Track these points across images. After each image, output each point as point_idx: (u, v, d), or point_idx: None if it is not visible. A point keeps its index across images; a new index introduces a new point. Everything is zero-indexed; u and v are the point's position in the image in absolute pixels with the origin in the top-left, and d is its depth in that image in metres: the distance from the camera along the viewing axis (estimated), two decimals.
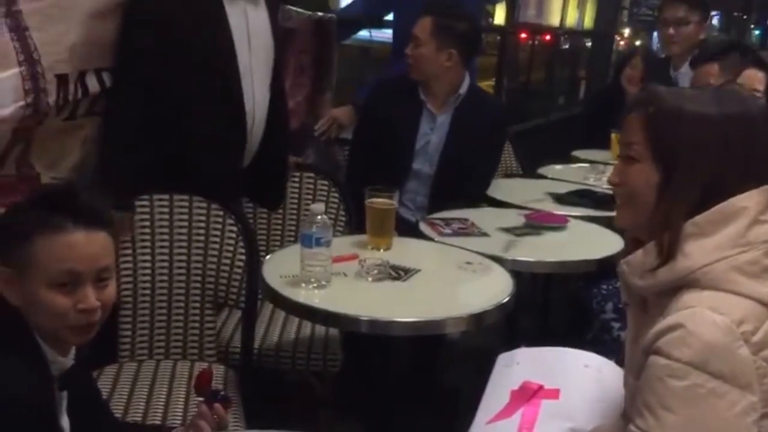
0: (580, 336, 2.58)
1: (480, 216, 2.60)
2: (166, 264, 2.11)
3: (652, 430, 1.14)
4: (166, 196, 2.12)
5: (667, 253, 1.19)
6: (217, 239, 2.13)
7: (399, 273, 2.00)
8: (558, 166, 3.64)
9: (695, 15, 3.48)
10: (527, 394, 1.44)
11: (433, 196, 2.84)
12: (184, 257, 2.12)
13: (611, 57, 8.23)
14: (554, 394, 1.43)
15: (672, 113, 1.22)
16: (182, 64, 2.09)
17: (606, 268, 2.28)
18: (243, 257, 2.13)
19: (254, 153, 2.32)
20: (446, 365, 2.95)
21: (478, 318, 1.84)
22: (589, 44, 8.47)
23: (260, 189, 2.46)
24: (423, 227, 2.47)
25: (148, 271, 2.10)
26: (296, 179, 2.65)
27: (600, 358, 1.53)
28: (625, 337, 1.46)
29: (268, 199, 2.54)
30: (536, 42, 7.27)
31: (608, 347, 2.33)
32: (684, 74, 3.39)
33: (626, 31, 9.18)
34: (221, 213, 2.14)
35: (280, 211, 2.64)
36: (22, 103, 1.77)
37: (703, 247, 1.18)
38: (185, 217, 2.13)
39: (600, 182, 3.15)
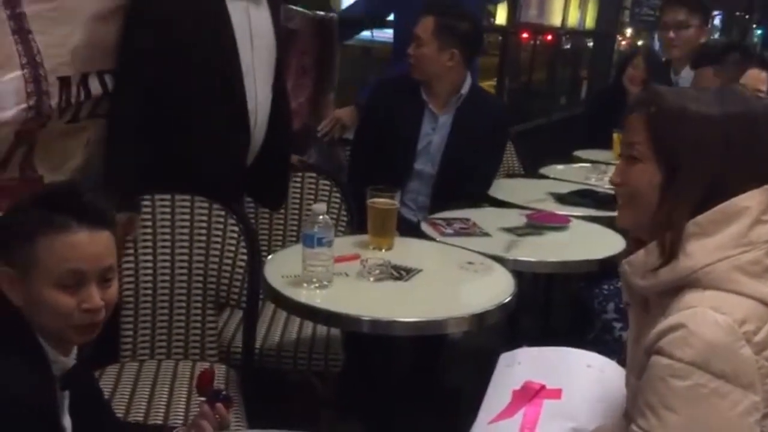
0: (581, 336, 2.57)
1: (481, 216, 2.60)
2: (167, 264, 2.12)
3: (654, 430, 1.14)
4: (168, 196, 2.12)
5: (669, 252, 1.19)
6: (219, 239, 2.13)
7: (401, 273, 2.00)
8: (560, 166, 3.64)
9: (696, 18, 3.48)
10: (529, 394, 1.44)
11: (434, 196, 2.84)
12: (185, 257, 2.12)
13: (613, 57, 8.22)
14: (556, 394, 1.43)
15: (674, 113, 1.22)
16: (185, 63, 2.09)
17: (607, 268, 2.28)
18: (245, 257, 2.13)
19: (257, 152, 2.32)
20: (448, 365, 2.95)
21: (479, 318, 1.84)
22: (590, 44, 8.47)
23: (262, 189, 2.46)
24: (424, 227, 2.47)
25: (149, 271, 2.10)
26: (298, 179, 2.65)
27: (602, 358, 1.53)
28: (626, 337, 1.46)
29: (270, 198, 2.54)
30: (538, 42, 7.27)
31: (610, 347, 2.33)
32: (684, 78, 3.39)
33: (628, 31, 9.18)
34: (223, 213, 2.14)
35: (282, 211, 2.64)
36: (24, 105, 1.77)
37: (705, 246, 1.18)
38: (187, 216, 2.13)
39: (602, 182, 3.15)
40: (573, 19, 7.77)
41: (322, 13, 3.14)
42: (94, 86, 2.01)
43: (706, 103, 1.22)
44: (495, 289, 1.96)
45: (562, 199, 2.93)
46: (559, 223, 2.55)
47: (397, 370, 2.73)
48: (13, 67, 1.75)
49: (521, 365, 1.52)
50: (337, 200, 2.64)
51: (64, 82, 1.89)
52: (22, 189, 1.85)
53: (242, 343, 2.17)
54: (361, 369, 2.48)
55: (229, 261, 2.13)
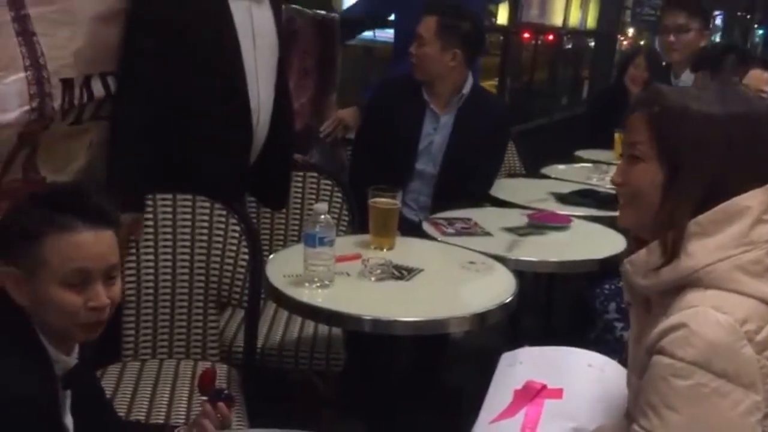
0: (583, 336, 2.58)
1: (483, 216, 2.60)
2: (169, 263, 2.12)
3: (656, 430, 1.14)
4: (169, 196, 2.12)
5: (671, 252, 1.19)
6: (221, 239, 2.13)
7: (402, 273, 2.00)
8: (561, 166, 3.64)
9: (696, 22, 3.49)
10: (530, 394, 1.44)
11: (436, 196, 2.84)
12: (187, 257, 2.13)
13: (614, 57, 8.21)
14: (557, 393, 1.43)
15: (677, 112, 1.22)
16: (187, 63, 2.09)
17: (609, 267, 2.28)
18: (246, 257, 2.13)
19: (259, 151, 2.32)
20: (449, 365, 2.95)
21: (481, 317, 1.84)
22: (592, 44, 8.46)
23: (265, 188, 2.46)
24: (426, 227, 2.47)
25: (151, 271, 2.11)
26: (300, 179, 2.65)
27: (603, 358, 1.53)
28: (628, 336, 1.46)
29: (272, 198, 2.54)
30: (539, 42, 7.27)
31: (611, 347, 2.33)
32: (684, 82, 3.38)
33: (630, 31, 9.17)
34: (224, 212, 2.14)
35: (284, 210, 2.64)
36: (27, 107, 1.77)
37: (706, 246, 1.18)
38: (188, 216, 2.13)
39: (603, 182, 3.16)
40: (574, 19, 7.76)
41: (323, 12, 3.14)
42: (97, 88, 2.01)
43: (708, 102, 1.22)
44: (496, 288, 1.96)
45: (563, 199, 2.93)
46: (560, 223, 2.55)
47: (398, 370, 2.73)
48: (17, 69, 1.75)
49: (522, 365, 1.52)
50: (339, 200, 2.64)
51: (67, 84, 1.89)
52: (25, 191, 1.85)
53: (244, 343, 2.17)
54: (363, 368, 2.48)
55: (231, 260, 2.13)
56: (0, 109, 1.72)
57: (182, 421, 1.80)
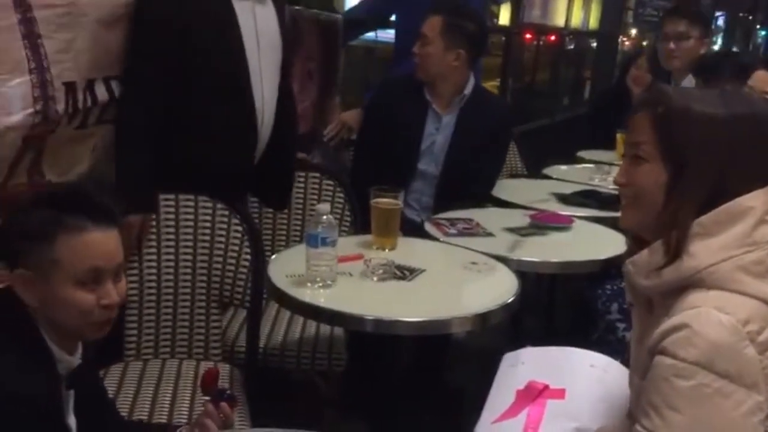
0: (585, 336, 2.58)
1: (485, 216, 2.60)
2: (171, 263, 2.12)
3: (658, 430, 1.14)
4: (172, 196, 2.13)
5: (675, 252, 1.19)
6: (223, 239, 2.13)
7: (404, 273, 2.00)
8: (563, 167, 3.64)
9: (696, 30, 3.51)
10: (532, 394, 1.44)
11: (438, 196, 2.84)
12: (189, 257, 2.13)
13: (616, 57, 8.21)
14: (560, 393, 1.43)
15: (681, 113, 1.22)
16: (192, 64, 2.09)
17: (611, 268, 2.28)
18: (248, 257, 2.13)
19: (262, 152, 2.33)
20: (451, 365, 2.95)
21: (483, 318, 1.84)
22: (594, 45, 8.46)
23: (267, 188, 2.47)
24: (428, 227, 2.47)
25: (154, 271, 2.11)
26: (302, 179, 2.66)
27: (605, 358, 1.53)
28: (630, 337, 1.46)
29: (274, 198, 2.54)
30: (541, 42, 7.26)
31: (613, 348, 2.33)
32: None
33: (633, 32, 9.17)
34: (227, 213, 2.14)
35: (286, 210, 2.64)
36: (31, 110, 1.77)
37: (709, 247, 1.18)
38: (191, 216, 2.13)
39: (605, 183, 3.16)
40: (576, 20, 7.76)
41: (326, 14, 3.14)
42: (101, 92, 2.01)
43: (711, 103, 1.22)
44: (498, 289, 1.96)
45: (565, 199, 2.93)
46: (562, 224, 2.55)
47: (400, 370, 2.73)
48: (22, 72, 1.75)
49: (525, 365, 1.52)
50: (341, 200, 2.65)
51: (70, 87, 1.89)
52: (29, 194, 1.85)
53: (246, 343, 2.18)
54: (365, 368, 2.48)
55: (233, 261, 2.13)
56: (4, 111, 1.71)
57: (185, 420, 1.80)
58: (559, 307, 3.42)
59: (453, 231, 2.42)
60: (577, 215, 2.68)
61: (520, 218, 2.58)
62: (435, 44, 2.72)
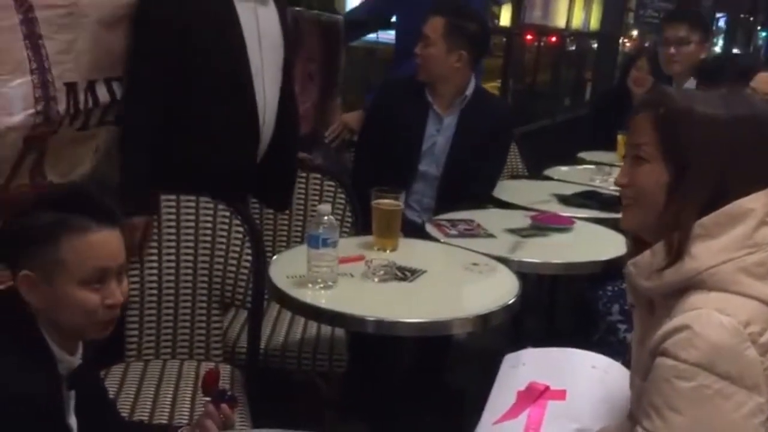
0: (586, 337, 2.58)
1: (486, 217, 2.60)
2: (173, 264, 2.12)
3: (659, 431, 1.14)
4: (173, 197, 2.13)
5: (677, 252, 1.19)
6: (224, 239, 2.14)
7: (405, 274, 2.00)
8: (564, 168, 3.64)
9: (696, 35, 3.52)
10: (533, 395, 1.44)
11: (439, 197, 2.84)
12: (191, 257, 2.13)
13: (617, 58, 8.21)
14: (561, 395, 1.43)
15: (683, 114, 1.22)
16: (194, 64, 2.09)
17: (612, 269, 2.28)
18: (249, 257, 2.13)
19: (264, 152, 2.33)
20: (452, 366, 2.95)
21: (484, 319, 1.84)
22: (595, 46, 8.46)
23: (268, 189, 2.47)
24: (429, 228, 2.47)
25: (155, 271, 2.11)
26: (303, 180, 2.66)
27: (606, 359, 1.53)
28: (631, 338, 1.46)
29: (275, 199, 2.55)
30: (542, 43, 7.26)
31: (614, 349, 2.33)
32: None
33: (635, 33, 9.16)
34: (228, 213, 2.14)
35: (287, 211, 2.64)
36: (32, 111, 1.77)
37: (710, 248, 1.18)
38: (192, 217, 2.14)
39: (606, 184, 3.16)
40: (577, 21, 7.76)
41: (327, 15, 3.14)
42: (102, 93, 2.01)
43: (713, 105, 1.23)
44: (499, 290, 1.96)
45: (566, 200, 2.93)
46: (563, 225, 2.55)
47: (401, 371, 2.73)
48: (23, 73, 1.75)
49: (526, 366, 1.52)
50: (342, 201, 2.65)
51: (71, 88, 1.89)
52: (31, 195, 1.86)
53: (247, 343, 2.18)
54: (366, 369, 2.48)
55: (234, 261, 2.13)
56: (6, 112, 1.71)
57: (185, 421, 1.80)
58: (560, 308, 3.42)
59: (454, 232, 2.42)
60: (578, 216, 2.68)
61: (521, 219, 2.58)
62: (437, 45, 2.72)
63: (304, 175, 2.65)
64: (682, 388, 1.12)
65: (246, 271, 2.13)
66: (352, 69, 3.78)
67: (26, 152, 1.83)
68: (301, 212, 2.67)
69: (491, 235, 2.42)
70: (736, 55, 8.81)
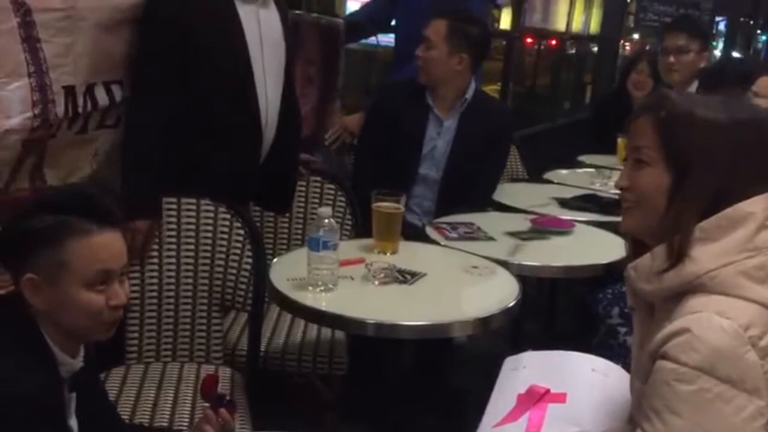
0: (586, 341, 2.58)
1: (486, 220, 2.60)
2: (173, 266, 2.12)
3: None
4: (174, 199, 2.13)
5: (677, 256, 1.20)
6: (225, 242, 2.14)
7: (405, 277, 2.00)
8: (564, 171, 3.64)
9: (695, 44, 3.54)
10: (534, 398, 1.44)
11: (439, 200, 2.84)
12: (191, 260, 2.13)
13: (617, 62, 8.21)
14: (561, 398, 1.43)
15: (684, 117, 1.22)
16: (197, 66, 2.10)
17: (612, 272, 2.28)
18: (250, 260, 2.13)
19: (266, 155, 2.33)
20: (452, 369, 2.95)
21: (484, 322, 1.85)
22: (595, 49, 8.46)
23: (269, 191, 2.46)
24: (429, 231, 2.47)
25: (155, 274, 2.11)
26: (303, 183, 2.66)
27: (606, 363, 1.54)
28: (631, 341, 1.46)
29: (276, 201, 2.54)
30: (542, 47, 7.27)
31: (614, 352, 2.34)
32: None
33: (635, 36, 9.17)
34: (228, 216, 2.14)
35: (287, 214, 2.64)
36: (29, 114, 1.77)
37: (710, 251, 1.18)
38: (192, 219, 2.14)
39: (606, 187, 3.16)
40: (577, 24, 7.76)
41: (327, 18, 3.14)
42: (101, 97, 2.01)
43: (713, 108, 1.23)
44: (499, 293, 1.96)
45: (566, 203, 2.93)
46: (563, 228, 2.55)
47: (401, 374, 2.73)
48: (21, 76, 1.75)
49: (526, 369, 1.52)
50: (342, 204, 2.65)
51: (69, 91, 1.89)
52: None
53: (247, 346, 2.18)
54: (366, 372, 2.48)
55: (235, 264, 2.13)
56: (3, 115, 1.71)
57: (186, 424, 1.80)
58: (560, 311, 3.42)
59: (454, 235, 2.42)
60: (578, 219, 2.68)
61: (521, 222, 2.58)
62: (439, 48, 2.72)
63: (304, 178, 2.65)
64: (682, 391, 1.12)
65: (246, 273, 2.13)
66: (352, 72, 3.79)
67: (25, 156, 1.83)
68: (302, 215, 2.67)
69: (491, 238, 2.42)
70: (736, 58, 8.82)
